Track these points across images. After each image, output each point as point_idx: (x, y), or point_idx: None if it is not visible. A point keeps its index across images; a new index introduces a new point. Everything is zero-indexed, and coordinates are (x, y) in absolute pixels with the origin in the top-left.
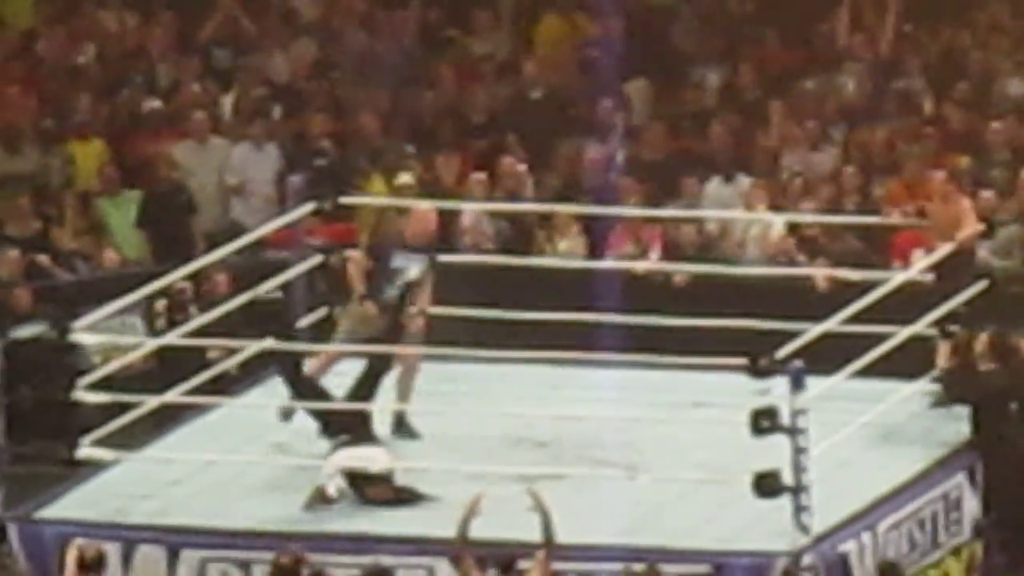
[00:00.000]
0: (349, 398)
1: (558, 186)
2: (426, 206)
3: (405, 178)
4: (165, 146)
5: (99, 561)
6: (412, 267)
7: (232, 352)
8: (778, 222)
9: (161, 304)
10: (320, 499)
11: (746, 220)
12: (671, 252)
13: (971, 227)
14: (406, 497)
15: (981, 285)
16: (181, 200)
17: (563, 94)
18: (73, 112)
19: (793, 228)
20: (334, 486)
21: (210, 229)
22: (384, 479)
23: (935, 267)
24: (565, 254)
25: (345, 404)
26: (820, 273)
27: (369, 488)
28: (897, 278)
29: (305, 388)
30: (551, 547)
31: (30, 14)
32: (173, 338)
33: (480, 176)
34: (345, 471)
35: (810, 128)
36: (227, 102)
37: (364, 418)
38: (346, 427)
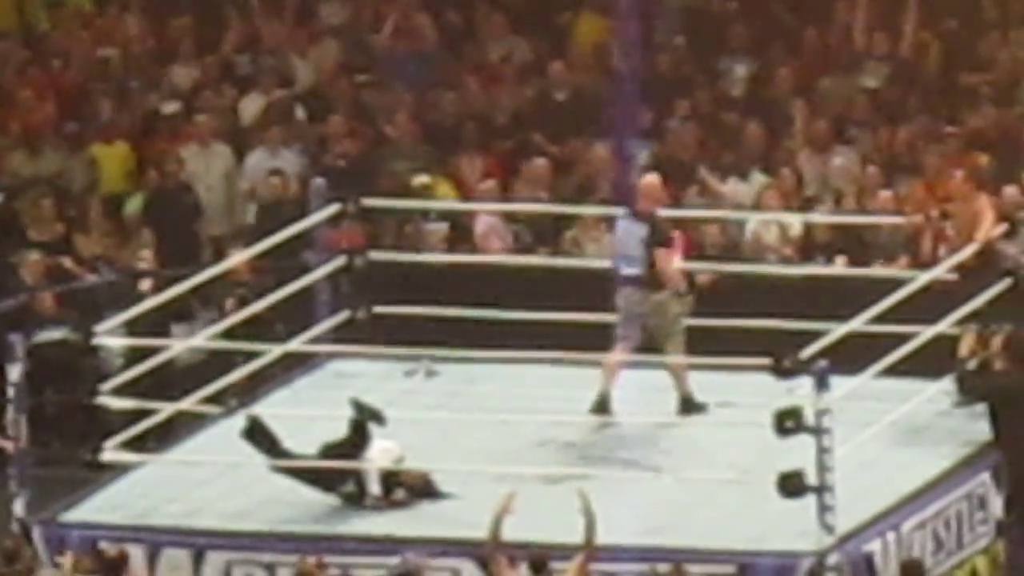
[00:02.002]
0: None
1: (580, 187)
2: (651, 177)
3: (422, 179)
4: (178, 148)
5: (121, 562)
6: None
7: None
8: (796, 225)
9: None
10: (369, 500)
11: (760, 225)
12: (695, 252)
13: (988, 225)
14: (432, 491)
15: (1005, 283)
16: (186, 202)
17: (588, 96)
18: (95, 115)
19: (811, 229)
20: (376, 485)
21: (218, 234)
22: (407, 471)
23: (959, 266)
24: (593, 255)
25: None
26: (843, 272)
27: (400, 481)
28: (921, 277)
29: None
30: (592, 549)
31: (45, 18)
32: (199, 341)
33: (490, 183)
34: (381, 471)
35: (831, 128)
36: (248, 106)
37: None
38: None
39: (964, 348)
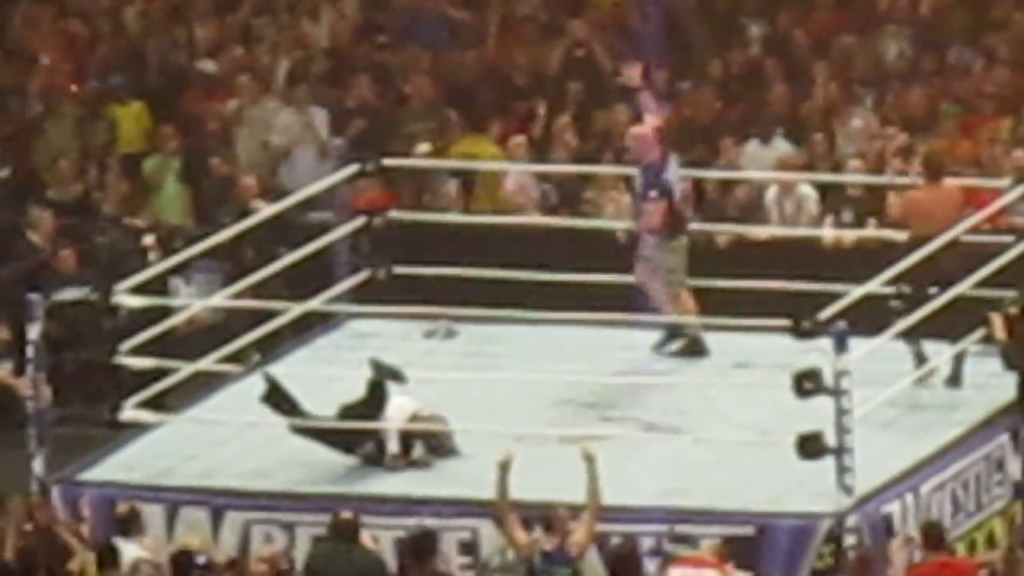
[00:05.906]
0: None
1: (598, 149)
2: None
3: (423, 147)
4: (212, 107)
5: (133, 517)
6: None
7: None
8: (812, 197)
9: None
10: (388, 459)
11: (777, 197)
12: (714, 213)
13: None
14: (451, 447)
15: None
16: (224, 160)
17: (607, 56)
18: (114, 75)
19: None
20: (395, 444)
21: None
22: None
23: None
24: (612, 216)
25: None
26: (869, 235)
27: (419, 435)
28: (941, 239)
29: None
30: (597, 508)
31: None
32: (218, 300)
33: (520, 139)
34: (401, 431)
35: (853, 90)
36: (278, 66)
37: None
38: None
39: (997, 330)
